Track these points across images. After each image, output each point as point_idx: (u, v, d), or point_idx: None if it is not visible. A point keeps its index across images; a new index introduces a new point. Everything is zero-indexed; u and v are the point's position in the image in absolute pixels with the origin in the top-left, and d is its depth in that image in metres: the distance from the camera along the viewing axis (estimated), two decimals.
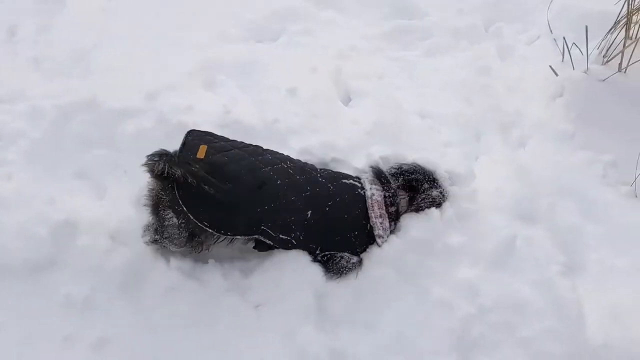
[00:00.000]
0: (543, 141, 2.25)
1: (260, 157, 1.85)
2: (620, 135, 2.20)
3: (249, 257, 1.91)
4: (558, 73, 2.46)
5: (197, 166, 1.70)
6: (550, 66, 2.48)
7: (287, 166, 1.85)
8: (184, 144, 1.81)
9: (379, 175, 1.92)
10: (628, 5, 2.36)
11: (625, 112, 2.23)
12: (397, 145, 2.15)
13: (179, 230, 1.77)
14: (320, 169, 1.92)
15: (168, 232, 1.79)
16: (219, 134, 2.14)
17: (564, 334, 1.63)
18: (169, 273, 1.83)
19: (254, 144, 1.91)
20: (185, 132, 1.86)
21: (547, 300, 1.71)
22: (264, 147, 1.91)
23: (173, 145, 2.09)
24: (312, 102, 2.31)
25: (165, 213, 1.77)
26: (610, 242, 1.93)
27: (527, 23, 3.06)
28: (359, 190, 1.88)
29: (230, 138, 1.95)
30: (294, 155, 1.96)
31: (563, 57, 2.50)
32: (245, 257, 1.92)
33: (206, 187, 1.68)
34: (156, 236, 1.83)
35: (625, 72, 2.36)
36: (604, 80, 2.35)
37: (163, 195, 1.75)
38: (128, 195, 2.04)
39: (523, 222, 2.00)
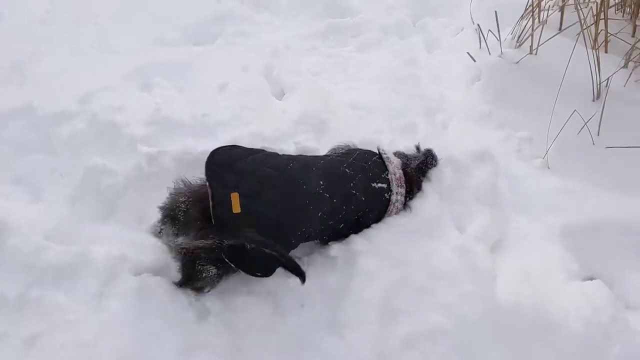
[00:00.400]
0: (464, 122, 2.39)
1: (289, 167, 1.77)
2: (533, 112, 2.35)
3: None
4: (475, 59, 2.61)
5: (247, 230, 1.60)
6: (468, 53, 2.63)
7: (317, 174, 1.79)
8: (212, 197, 1.65)
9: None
10: None
11: (537, 90, 2.38)
12: (325, 133, 2.26)
13: (217, 277, 1.72)
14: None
15: (203, 281, 1.72)
16: (148, 131, 2.24)
17: (479, 297, 1.73)
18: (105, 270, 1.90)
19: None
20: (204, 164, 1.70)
21: (464, 266, 1.82)
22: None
23: (103, 145, 2.20)
24: (243, 96, 2.41)
25: (205, 267, 1.68)
26: (525, 211, 2.06)
27: (452, 17, 3.23)
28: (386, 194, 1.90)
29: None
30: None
31: (480, 45, 2.66)
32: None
33: (266, 249, 1.58)
34: (187, 281, 1.75)
35: (535, 53, 2.53)
36: (517, 62, 2.51)
37: (204, 254, 1.65)
38: (64, 197, 2.10)
39: (448, 195, 2.11)
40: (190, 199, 1.71)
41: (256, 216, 1.64)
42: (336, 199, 1.78)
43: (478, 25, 2.61)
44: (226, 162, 1.72)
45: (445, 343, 1.70)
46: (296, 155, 1.90)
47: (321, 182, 1.78)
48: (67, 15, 3.25)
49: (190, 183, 1.77)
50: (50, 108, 2.38)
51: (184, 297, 1.78)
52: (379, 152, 1.97)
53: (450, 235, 1.88)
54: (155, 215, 1.89)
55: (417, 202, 1.99)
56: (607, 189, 2.09)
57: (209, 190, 1.66)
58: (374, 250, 1.82)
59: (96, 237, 1.95)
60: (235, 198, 1.64)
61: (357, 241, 1.84)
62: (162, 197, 1.91)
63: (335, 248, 1.83)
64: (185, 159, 2.10)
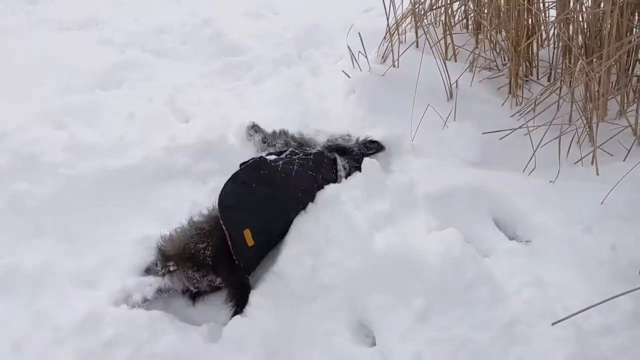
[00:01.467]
0: (343, 126, 2.85)
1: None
2: (400, 113, 2.83)
3: None
4: (350, 76, 3.12)
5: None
6: (343, 71, 3.15)
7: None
8: (230, 237, 2.10)
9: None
10: (395, 19, 3.11)
11: (401, 95, 2.87)
12: (222, 146, 2.67)
13: None
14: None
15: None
16: (66, 156, 2.56)
17: (359, 252, 2.15)
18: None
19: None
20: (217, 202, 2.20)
21: (347, 230, 2.23)
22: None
23: (24, 174, 2.48)
24: (150, 121, 2.79)
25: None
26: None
27: (333, 47, 3.77)
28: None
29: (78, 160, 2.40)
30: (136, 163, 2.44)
31: (353, 64, 3.18)
32: None
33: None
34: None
35: (397, 66, 3.07)
36: (382, 74, 3.04)
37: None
38: None
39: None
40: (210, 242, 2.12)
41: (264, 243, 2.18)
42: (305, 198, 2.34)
43: (348, 47, 3.14)
44: (236, 204, 2.18)
45: (337, 296, 2.10)
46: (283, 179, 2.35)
47: (299, 194, 2.32)
48: None
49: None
50: None
51: None
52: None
53: (342, 211, 2.29)
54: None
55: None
56: (459, 165, 2.60)
57: (226, 232, 2.10)
58: None
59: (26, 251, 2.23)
60: (248, 234, 2.11)
61: None
62: (84, 214, 2.28)
63: None
64: (102, 176, 2.44)
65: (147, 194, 2.48)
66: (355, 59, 3.16)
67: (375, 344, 2.01)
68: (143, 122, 2.80)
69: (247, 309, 2.08)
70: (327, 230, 2.21)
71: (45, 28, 4.12)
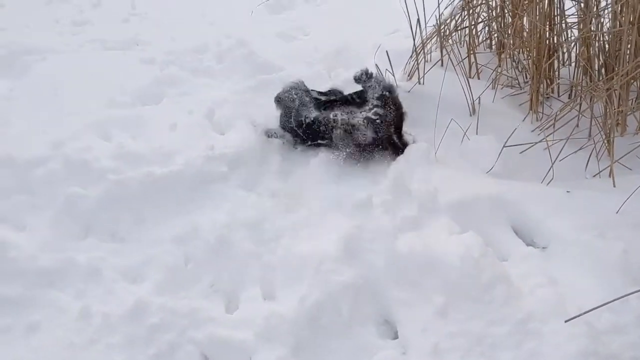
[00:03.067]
0: None
1: None
2: (425, 126, 3.07)
3: None
4: None
5: None
6: None
7: None
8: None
9: None
10: (421, 39, 3.36)
11: (424, 110, 3.11)
12: (256, 156, 2.94)
13: None
14: None
15: None
16: (115, 164, 2.84)
17: (385, 250, 2.36)
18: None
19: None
20: None
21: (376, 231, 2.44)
22: None
23: (77, 178, 2.76)
24: (190, 131, 3.06)
25: None
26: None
27: (361, 66, 4.00)
28: None
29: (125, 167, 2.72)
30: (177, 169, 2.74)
31: None
32: None
33: None
34: None
35: (422, 83, 3.31)
36: (409, 91, 3.28)
37: None
38: (46, 221, 2.64)
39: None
40: None
41: None
42: None
43: (376, 65, 3.39)
44: None
45: (364, 292, 2.31)
46: None
47: None
48: (28, 92, 3.83)
49: None
50: (27, 156, 2.90)
51: None
52: None
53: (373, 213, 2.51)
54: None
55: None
56: (480, 175, 2.81)
57: None
58: None
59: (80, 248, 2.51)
60: None
61: None
62: (131, 215, 2.55)
63: None
64: (147, 181, 2.72)
65: (188, 198, 2.74)
66: (383, 76, 3.40)
67: (397, 337, 2.20)
68: (183, 133, 3.07)
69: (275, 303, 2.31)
70: (360, 229, 2.42)
71: (91, 48, 4.46)
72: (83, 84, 3.82)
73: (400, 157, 2.93)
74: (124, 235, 2.60)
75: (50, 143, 2.98)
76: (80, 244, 2.56)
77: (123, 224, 2.63)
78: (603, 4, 3.10)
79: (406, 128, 3.05)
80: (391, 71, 3.34)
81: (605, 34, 3.10)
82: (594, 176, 2.85)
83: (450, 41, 3.49)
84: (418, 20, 3.31)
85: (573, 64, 3.28)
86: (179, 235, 2.56)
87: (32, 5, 5.52)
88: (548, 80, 3.30)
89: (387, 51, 3.29)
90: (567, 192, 2.67)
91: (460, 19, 3.49)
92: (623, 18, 2.91)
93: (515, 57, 3.41)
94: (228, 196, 2.77)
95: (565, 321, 2.07)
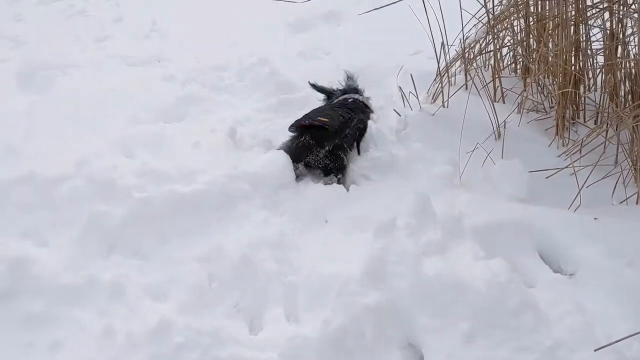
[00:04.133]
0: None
1: None
2: (447, 150, 3.11)
3: None
4: (401, 114, 3.42)
5: None
6: (394, 109, 3.45)
7: None
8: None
9: None
10: (445, 62, 3.42)
11: (448, 133, 3.16)
12: (279, 175, 2.99)
13: None
14: None
15: None
16: (139, 181, 2.90)
17: (410, 274, 2.38)
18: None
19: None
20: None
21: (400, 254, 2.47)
22: None
23: (101, 196, 2.82)
24: (212, 151, 3.12)
25: None
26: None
27: (382, 87, 4.06)
28: None
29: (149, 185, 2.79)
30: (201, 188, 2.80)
31: (404, 103, 3.48)
32: None
33: None
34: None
35: (447, 106, 3.36)
36: (433, 114, 3.33)
37: None
38: (70, 239, 2.70)
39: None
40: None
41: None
42: None
43: (400, 87, 3.44)
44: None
45: (388, 316, 2.33)
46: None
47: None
48: (49, 106, 3.94)
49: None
50: (50, 173, 2.97)
51: None
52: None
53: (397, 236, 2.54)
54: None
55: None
56: (505, 200, 2.84)
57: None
58: None
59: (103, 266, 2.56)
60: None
61: None
62: (155, 233, 2.60)
63: None
64: (172, 199, 2.77)
65: (211, 217, 2.79)
66: (406, 98, 3.46)
67: None
68: (206, 151, 3.14)
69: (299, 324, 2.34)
70: (384, 251, 2.45)
71: (112, 63, 4.57)
72: (105, 100, 3.92)
73: (426, 178, 2.97)
74: (147, 254, 2.64)
75: (73, 160, 3.05)
76: (103, 262, 2.61)
77: (147, 242, 2.67)
78: (629, 31, 3.15)
79: None
80: (415, 94, 3.39)
81: (631, 61, 3.14)
82: (621, 203, 2.87)
83: (474, 65, 3.54)
84: (442, 44, 3.37)
85: (599, 90, 3.32)
86: (202, 254, 2.60)
87: (53, 19, 5.67)
88: (574, 106, 3.33)
89: (411, 75, 3.36)
90: (595, 219, 2.69)
91: (484, 43, 3.55)
92: None
93: (540, 82, 3.45)
94: (251, 215, 2.82)
95: (595, 350, 2.08)
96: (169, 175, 2.93)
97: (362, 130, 3.35)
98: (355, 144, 3.31)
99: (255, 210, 2.85)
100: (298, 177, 3.11)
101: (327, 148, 3.07)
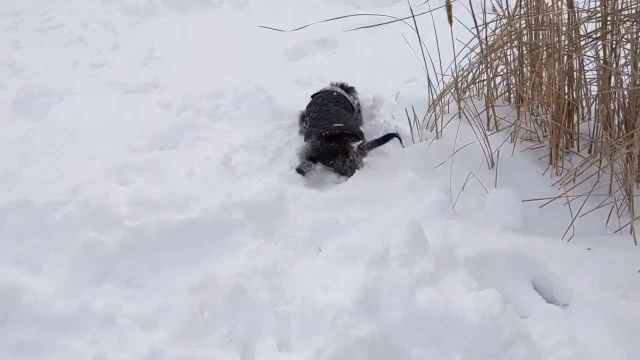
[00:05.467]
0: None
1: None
2: (440, 179, 3.14)
3: None
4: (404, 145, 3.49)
5: None
6: (398, 137, 3.51)
7: None
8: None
9: None
10: (438, 92, 3.48)
11: (441, 161, 3.19)
12: (273, 203, 3.02)
13: None
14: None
15: None
16: (132, 210, 2.93)
17: (403, 305, 2.40)
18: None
19: None
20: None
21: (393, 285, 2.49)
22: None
23: (94, 224, 2.85)
24: (206, 179, 3.16)
25: None
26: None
27: (380, 114, 4.12)
28: None
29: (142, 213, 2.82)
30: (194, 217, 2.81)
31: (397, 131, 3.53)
32: None
33: None
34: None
35: (441, 135, 3.40)
36: (427, 143, 3.37)
37: None
38: (62, 267, 2.72)
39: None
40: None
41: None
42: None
43: (392, 115, 3.50)
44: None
45: (381, 347, 2.34)
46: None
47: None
48: (45, 134, 3.96)
49: None
50: (44, 199, 3.02)
51: None
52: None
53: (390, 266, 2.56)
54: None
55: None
56: (499, 229, 2.86)
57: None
58: None
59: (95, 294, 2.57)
60: None
61: None
62: (148, 262, 2.63)
63: None
64: (164, 228, 2.80)
65: (204, 246, 2.80)
66: (399, 129, 3.52)
67: None
68: (200, 180, 3.17)
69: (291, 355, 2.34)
70: (378, 282, 2.47)
71: (109, 90, 4.62)
72: (101, 127, 3.95)
73: (419, 208, 3.00)
74: (140, 282, 2.67)
75: (68, 187, 3.09)
76: (95, 290, 2.63)
77: (139, 271, 2.70)
78: (622, 61, 3.21)
79: None
80: (410, 123, 3.44)
81: (624, 90, 3.20)
82: (615, 233, 2.89)
83: (467, 94, 3.59)
84: (435, 75, 3.44)
85: (593, 119, 3.36)
86: (195, 283, 2.62)
87: (50, 46, 5.73)
88: (567, 135, 3.38)
89: (406, 109, 3.43)
90: (588, 249, 2.71)
91: (477, 72, 3.61)
92: None
93: (534, 111, 3.50)
94: (244, 244, 2.83)
95: None
96: (163, 204, 2.95)
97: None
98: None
99: (248, 238, 2.86)
100: (305, 174, 3.41)
101: (350, 157, 3.38)
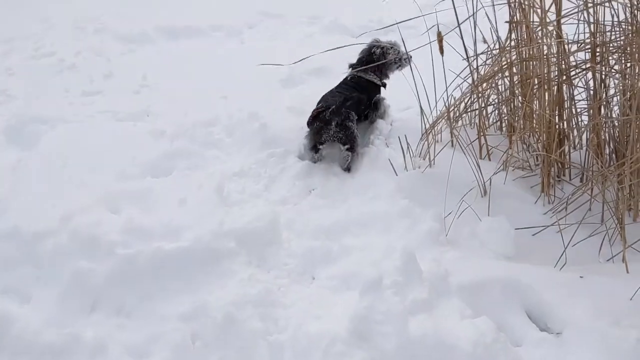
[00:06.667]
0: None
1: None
2: (433, 205, 3.19)
3: None
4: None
5: None
6: (391, 166, 3.55)
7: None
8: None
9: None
10: (429, 123, 3.56)
11: (435, 191, 3.24)
12: (267, 232, 3.05)
13: None
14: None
15: None
16: (123, 238, 2.95)
17: (396, 334, 2.42)
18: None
19: None
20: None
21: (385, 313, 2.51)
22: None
23: (85, 253, 2.87)
24: (198, 207, 3.19)
25: None
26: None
27: (374, 143, 4.17)
28: None
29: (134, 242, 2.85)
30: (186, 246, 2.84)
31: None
32: None
33: None
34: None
35: (434, 164, 3.46)
36: (422, 172, 3.43)
37: None
38: (52, 296, 2.73)
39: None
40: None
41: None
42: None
43: (386, 144, 3.56)
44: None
45: None
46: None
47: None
48: (36, 162, 3.99)
49: None
50: (34, 228, 3.03)
51: None
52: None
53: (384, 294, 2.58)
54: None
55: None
56: (492, 258, 2.91)
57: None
58: None
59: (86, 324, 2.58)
60: None
61: None
62: (139, 291, 2.65)
63: None
64: (156, 256, 2.82)
65: (196, 275, 2.82)
66: (392, 161, 3.59)
67: None
68: (193, 208, 3.20)
69: None
70: (371, 310, 2.49)
71: (101, 119, 4.66)
72: (93, 155, 3.98)
73: (412, 235, 3.04)
74: (130, 311, 2.68)
75: (58, 215, 3.10)
76: (86, 319, 2.64)
77: (130, 300, 2.71)
78: (612, 91, 3.29)
79: None
80: (403, 152, 3.50)
81: (614, 120, 3.28)
82: (607, 261, 2.94)
83: (460, 122, 3.66)
84: (428, 104, 3.52)
85: (584, 148, 3.43)
86: (186, 312, 2.63)
87: (42, 74, 5.76)
88: (559, 164, 3.44)
89: (399, 137, 3.53)
90: (580, 277, 2.76)
91: (469, 101, 3.69)
92: (631, 105, 3.08)
93: (525, 140, 3.58)
94: (236, 273, 2.86)
95: None
96: (154, 232, 2.98)
97: (366, 103, 4.04)
98: (363, 117, 4.04)
99: (240, 266, 2.89)
100: (316, 162, 3.83)
101: (334, 123, 3.67)
